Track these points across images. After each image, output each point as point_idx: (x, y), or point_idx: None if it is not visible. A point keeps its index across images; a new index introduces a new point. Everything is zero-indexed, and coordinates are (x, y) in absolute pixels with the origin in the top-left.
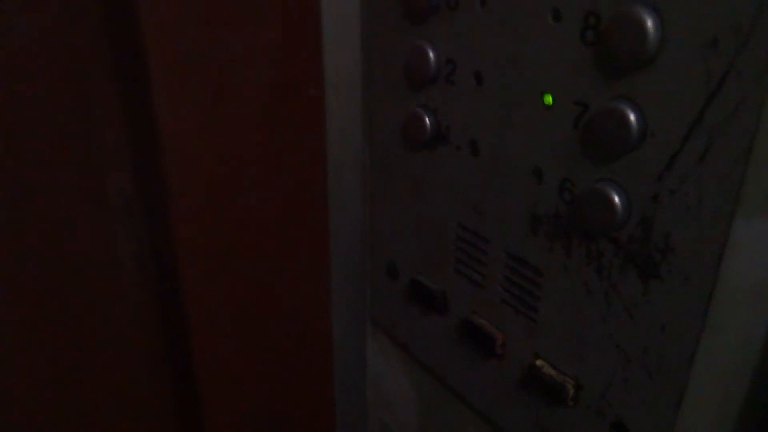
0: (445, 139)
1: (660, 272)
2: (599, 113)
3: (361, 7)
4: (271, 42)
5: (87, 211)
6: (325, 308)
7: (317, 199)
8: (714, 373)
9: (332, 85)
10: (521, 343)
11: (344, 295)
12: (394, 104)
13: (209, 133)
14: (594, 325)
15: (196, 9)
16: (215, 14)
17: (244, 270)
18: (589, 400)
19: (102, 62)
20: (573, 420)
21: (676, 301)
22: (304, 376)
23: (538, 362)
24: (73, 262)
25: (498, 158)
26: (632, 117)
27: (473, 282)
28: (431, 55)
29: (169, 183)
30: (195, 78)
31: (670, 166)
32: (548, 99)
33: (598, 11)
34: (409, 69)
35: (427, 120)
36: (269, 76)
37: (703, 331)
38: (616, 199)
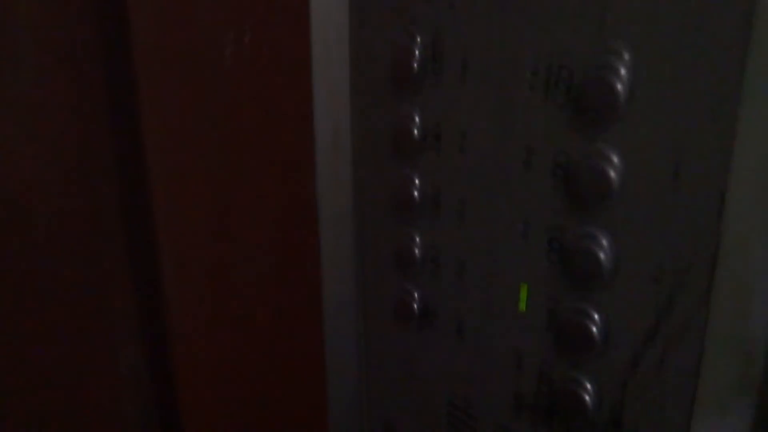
0: (432, 321)
1: None
2: (567, 319)
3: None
4: (272, 216)
5: (98, 382)
6: None
7: (315, 362)
8: None
9: (328, 259)
10: None
11: None
12: (385, 286)
13: (213, 304)
14: None
15: (205, 188)
16: (222, 188)
17: None
18: None
19: (114, 244)
20: None
21: None
22: None
23: None
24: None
25: (481, 342)
26: (594, 326)
27: None
28: (417, 245)
29: (175, 359)
30: (200, 250)
31: (633, 372)
32: (523, 302)
33: (562, 224)
34: (397, 255)
35: (415, 301)
36: (269, 251)
37: None
38: (587, 397)
